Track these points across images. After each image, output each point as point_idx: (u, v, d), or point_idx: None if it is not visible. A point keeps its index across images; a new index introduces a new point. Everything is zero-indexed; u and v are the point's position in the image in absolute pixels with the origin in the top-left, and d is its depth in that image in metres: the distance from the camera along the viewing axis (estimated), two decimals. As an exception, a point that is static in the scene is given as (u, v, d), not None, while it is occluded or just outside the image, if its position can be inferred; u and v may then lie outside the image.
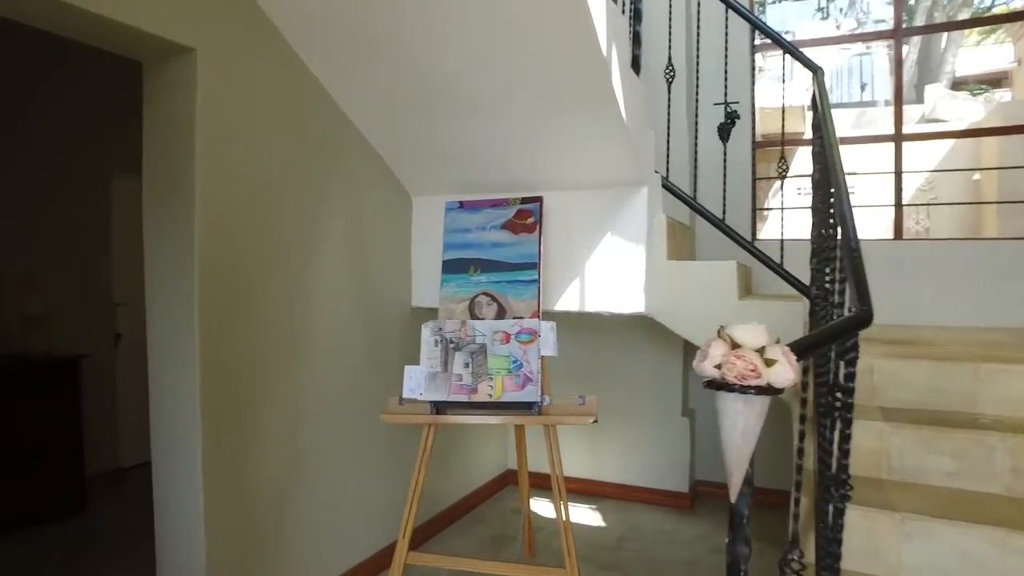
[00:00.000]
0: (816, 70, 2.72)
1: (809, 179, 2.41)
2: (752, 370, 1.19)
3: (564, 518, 2.58)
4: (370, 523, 3.01)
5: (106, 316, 4.21)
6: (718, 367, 1.24)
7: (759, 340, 1.24)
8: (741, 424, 1.22)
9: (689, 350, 3.90)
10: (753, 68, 3.68)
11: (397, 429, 3.06)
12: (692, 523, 3.66)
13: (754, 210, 3.88)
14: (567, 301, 2.96)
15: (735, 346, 1.24)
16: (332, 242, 2.76)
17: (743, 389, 1.20)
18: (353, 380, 2.89)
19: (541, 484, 4.01)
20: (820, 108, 2.34)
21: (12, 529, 3.38)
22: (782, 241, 3.04)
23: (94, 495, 3.84)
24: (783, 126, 3.17)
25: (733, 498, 1.30)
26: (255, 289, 2.41)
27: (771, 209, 6.60)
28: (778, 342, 1.28)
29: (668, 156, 3.20)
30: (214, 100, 2.22)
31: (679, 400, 3.86)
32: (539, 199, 2.78)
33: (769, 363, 1.21)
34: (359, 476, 2.95)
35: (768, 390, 1.21)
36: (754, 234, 3.84)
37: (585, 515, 3.79)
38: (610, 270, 2.89)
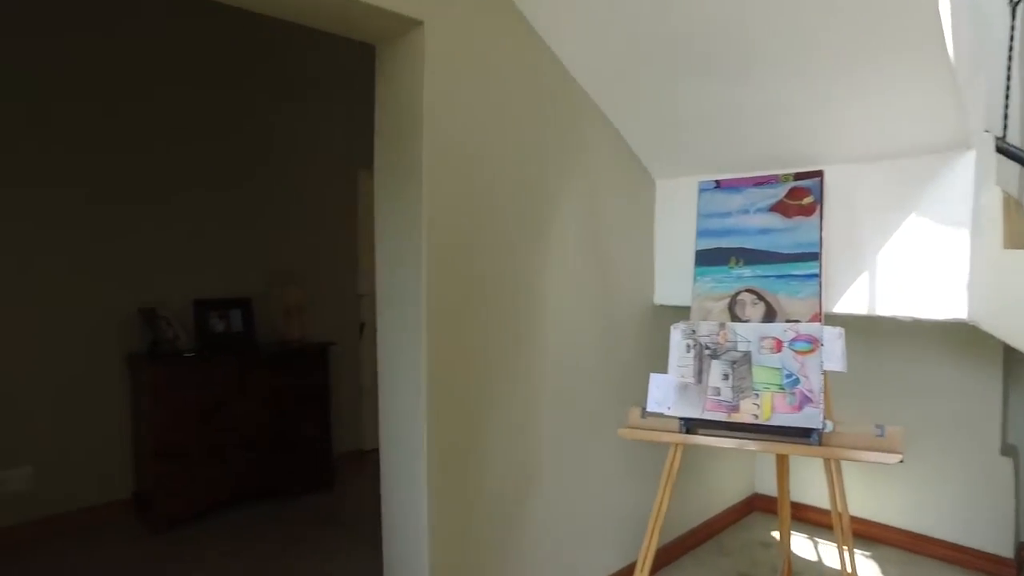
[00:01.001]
0: None
1: None
2: None
3: (850, 570, 2.03)
4: (602, 541, 2.70)
5: (352, 306, 4.46)
6: None
7: None
8: None
9: (1012, 367, 2.99)
10: None
11: (636, 442, 2.70)
12: (1017, 597, 2.79)
13: (1121, 182, 2.85)
14: (851, 302, 2.35)
15: None
16: (565, 231, 2.49)
17: None
18: (587, 384, 2.60)
19: (794, 515, 3.41)
20: None
21: (270, 499, 3.68)
22: None
23: (339, 475, 4.07)
24: None
25: None
26: (484, 281, 2.22)
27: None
28: None
29: (1007, 108, 2.41)
30: (441, 76, 2.05)
31: (996, 433, 2.97)
32: (819, 174, 2.22)
33: None
34: (592, 489, 2.65)
35: None
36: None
37: (856, 562, 3.09)
38: (914, 263, 2.22)
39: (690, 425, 2.08)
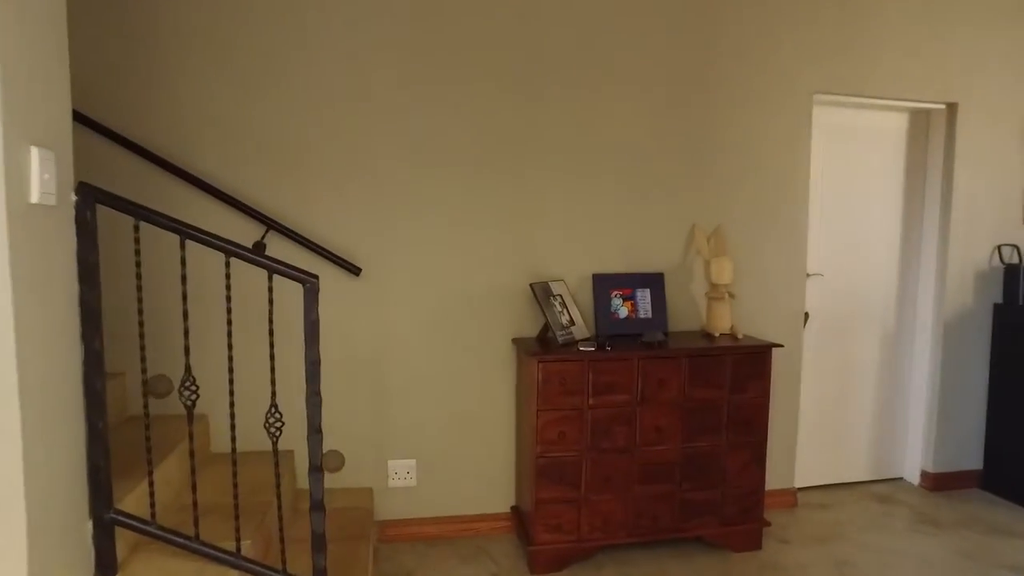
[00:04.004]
0: None
1: None
2: None
3: None
4: None
5: (795, 290, 3.13)
6: None
7: None
8: None
9: None
10: None
11: None
12: None
13: None
14: None
15: None
16: None
17: None
18: None
19: None
20: None
21: (677, 548, 2.66)
22: None
23: (771, 523, 2.85)
24: None
25: None
26: None
27: None
28: None
29: None
30: None
31: None
32: None
33: None
34: None
35: None
36: None
37: None
38: None
39: None
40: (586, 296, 2.82)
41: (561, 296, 2.66)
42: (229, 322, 1.67)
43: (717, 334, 2.78)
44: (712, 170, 2.95)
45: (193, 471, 1.65)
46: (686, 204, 2.93)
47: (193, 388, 1.63)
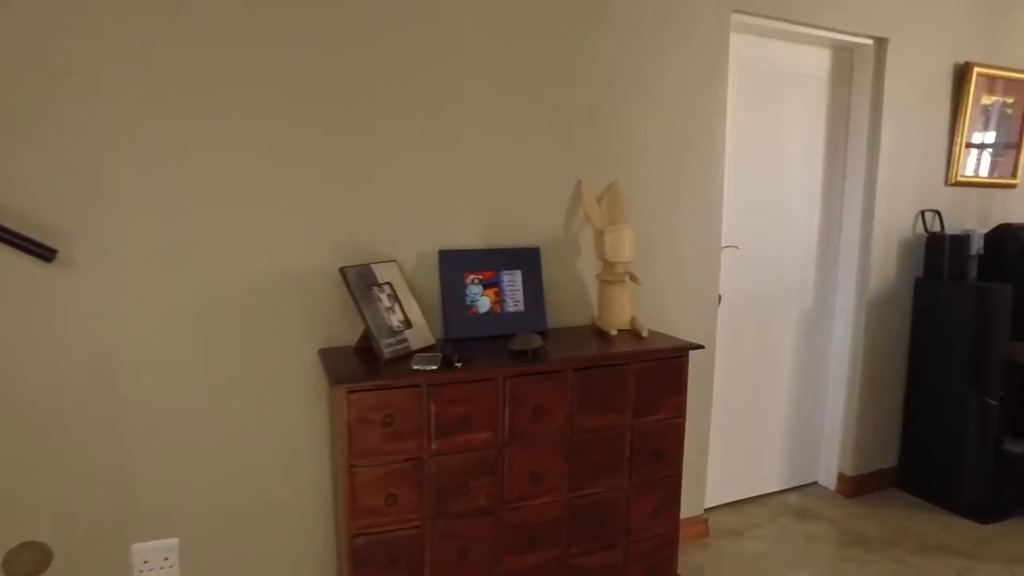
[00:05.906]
0: None
1: None
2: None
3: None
4: None
5: (707, 267, 2.44)
6: None
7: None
8: None
9: None
10: None
11: None
12: None
13: None
14: None
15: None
16: None
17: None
18: None
19: None
20: None
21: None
22: None
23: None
24: None
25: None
26: None
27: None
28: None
29: None
30: None
31: None
32: None
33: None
34: None
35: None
36: None
37: None
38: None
39: None
40: (431, 282, 1.97)
41: (390, 285, 1.78)
42: None
43: (614, 331, 2.02)
44: (604, 111, 2.17)
45: None
46: (570, 155, 2.14)
47: None
